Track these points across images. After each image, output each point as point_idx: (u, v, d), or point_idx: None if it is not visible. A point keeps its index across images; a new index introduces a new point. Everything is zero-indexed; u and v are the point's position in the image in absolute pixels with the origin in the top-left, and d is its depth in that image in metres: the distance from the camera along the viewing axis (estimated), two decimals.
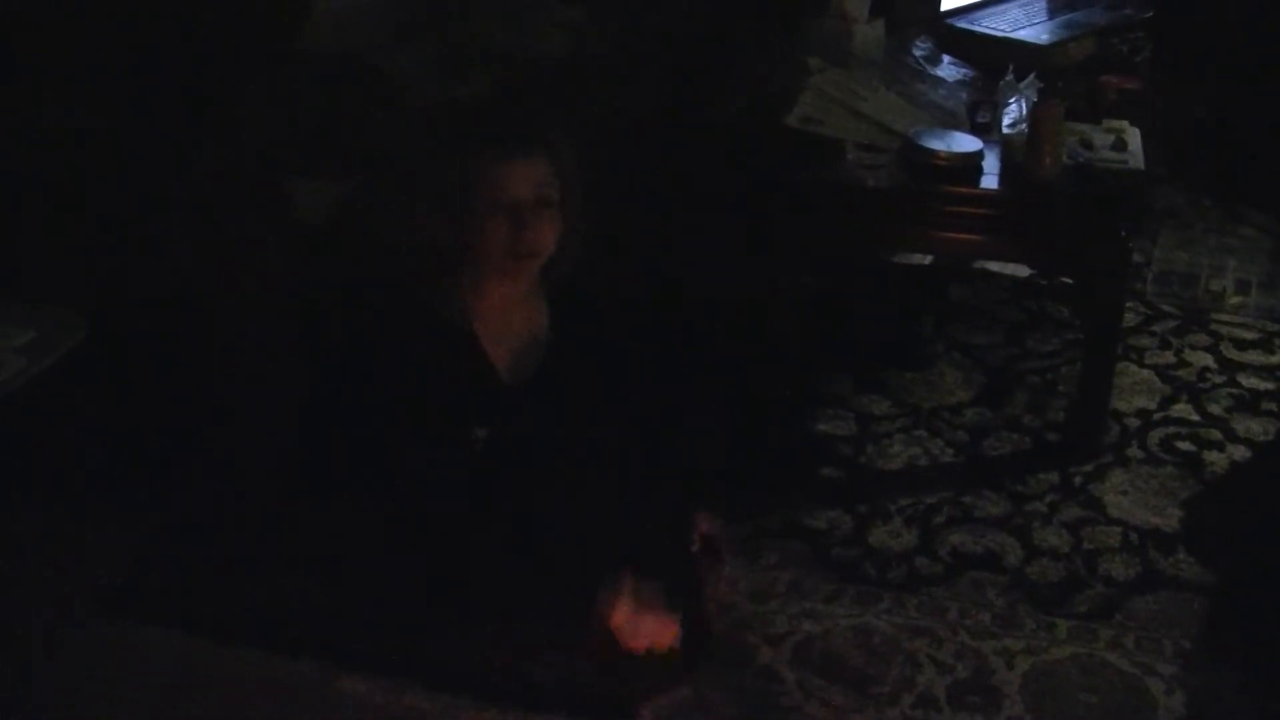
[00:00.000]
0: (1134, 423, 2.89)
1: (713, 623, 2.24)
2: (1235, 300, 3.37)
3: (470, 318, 2.19)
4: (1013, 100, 2.79)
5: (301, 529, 2.29)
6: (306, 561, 2.28)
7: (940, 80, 2.93)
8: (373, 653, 2.18)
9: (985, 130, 2.76)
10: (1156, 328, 3.26)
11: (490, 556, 2.12)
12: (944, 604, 2.38)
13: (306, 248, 2.64)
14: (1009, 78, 2.83)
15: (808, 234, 2.72)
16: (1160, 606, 2.38)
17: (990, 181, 2.64)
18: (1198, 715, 2.14)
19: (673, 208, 2.95)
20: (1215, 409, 2.95)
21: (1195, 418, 2.92)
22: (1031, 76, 2.85)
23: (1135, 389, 3.02)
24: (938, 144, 2.64)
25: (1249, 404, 2.97)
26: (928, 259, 3.13)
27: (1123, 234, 2.60)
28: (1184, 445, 2.83)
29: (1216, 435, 2.86)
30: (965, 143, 2.67)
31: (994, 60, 2.97)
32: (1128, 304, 2.99)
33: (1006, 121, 2.76)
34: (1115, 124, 2.77)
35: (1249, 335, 3.23)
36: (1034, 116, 2.60)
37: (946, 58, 3.04)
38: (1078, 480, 2.72)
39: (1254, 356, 3.15)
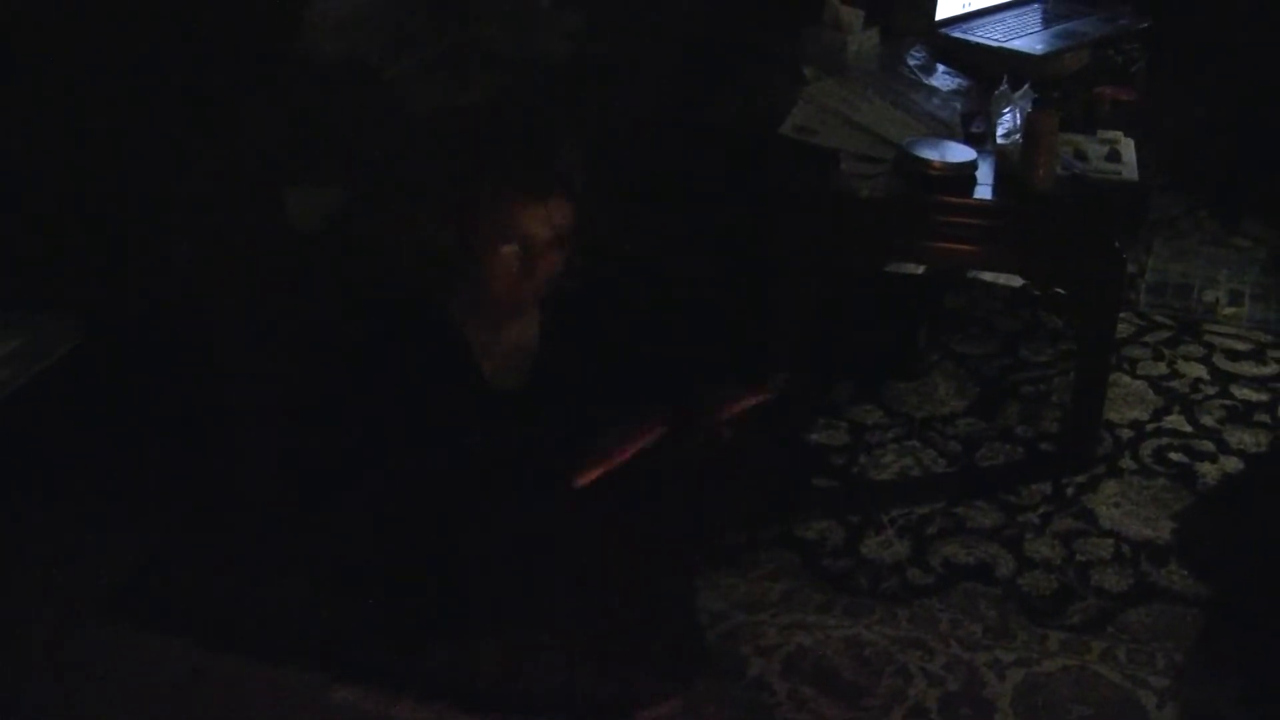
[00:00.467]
0: (1127, 434, 2.90)
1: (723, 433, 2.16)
2: (1229, 311, 3.37)
3: (461, 328, 2.18)
4: (1007, 110, 2.79)
5: (300, 531, 2.29)
6: (304, 565, 2.28)
7: (935, 90, 2.93)
8: (366, 661, 2.18)
9: (980, 140, 2.76)
10: (1150, 338, 3.26)
11: (485, 562, 2.12)
12: (936, 615, 2.38)
13: (302, 253, 2.64)
14: (1004, 88, 2.82)
15: (802, 243, 2.72)
16: (1152, 619, 2.38)
17: (984, 192, 2.64)
18: None
19: (670, 213, 2.95)
20: (1208, 420, 2.96)
21: (1188, 429, 2.93)
22: (1026, 87, 2.85)
23: (1128, 400, 3.02)
24: (932, 154, 2.64)
25: (1242, 415, 2.98)
26: (921, 269, 3.13)
27: (1116, 245, 2.60)
28: (1177, 457, 2.83)
29: (1209, 447, 2.86)
30: (959, 153, 2.66)
31: (989, 70, 2.96)
32: (1121, 315, 2.99)
33: (1001, 132, 2.76)
34: (1110, 135, 2.76)
35: (1242, 346, 3.23)
36: (1028, 127, 2.60)
37: (941, 67, 3.03)
38: (1070, 491, 2.72)
39: (1247, 368, 3.16)
